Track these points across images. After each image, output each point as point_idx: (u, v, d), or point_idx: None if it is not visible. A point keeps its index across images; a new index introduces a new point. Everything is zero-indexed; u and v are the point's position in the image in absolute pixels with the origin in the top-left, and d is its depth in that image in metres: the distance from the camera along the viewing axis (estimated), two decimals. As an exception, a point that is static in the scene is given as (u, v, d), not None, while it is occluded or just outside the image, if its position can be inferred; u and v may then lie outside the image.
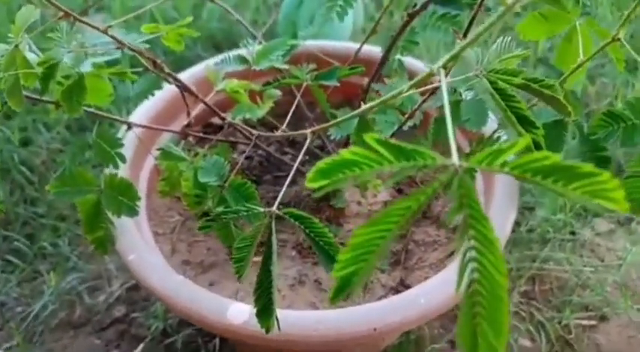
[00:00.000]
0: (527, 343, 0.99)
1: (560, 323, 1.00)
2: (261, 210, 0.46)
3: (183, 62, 1.19)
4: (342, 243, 0.76)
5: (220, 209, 0.54)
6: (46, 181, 1.20)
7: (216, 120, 0.90)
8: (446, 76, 0.41)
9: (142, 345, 0.97)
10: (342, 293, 0.32)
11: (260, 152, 0.89)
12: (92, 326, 1.02)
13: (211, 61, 0.87)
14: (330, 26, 1.30)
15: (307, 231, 0.44)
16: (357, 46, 0.84)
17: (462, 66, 0.48)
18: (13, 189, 1.18)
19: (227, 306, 0.58)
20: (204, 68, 0.88)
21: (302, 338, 0.55)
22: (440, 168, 0.30)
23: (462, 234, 0.29)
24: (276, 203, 0.45)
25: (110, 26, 0.54)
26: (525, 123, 0.45)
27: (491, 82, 0.43)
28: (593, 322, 1.01)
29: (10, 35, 0.55)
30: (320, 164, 0.32)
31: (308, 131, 0.52)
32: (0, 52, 0.52)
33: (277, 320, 0.46)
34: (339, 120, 0.49)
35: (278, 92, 0.83)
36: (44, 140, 1.24)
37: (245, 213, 0.47)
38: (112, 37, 0.55)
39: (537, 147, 0.46)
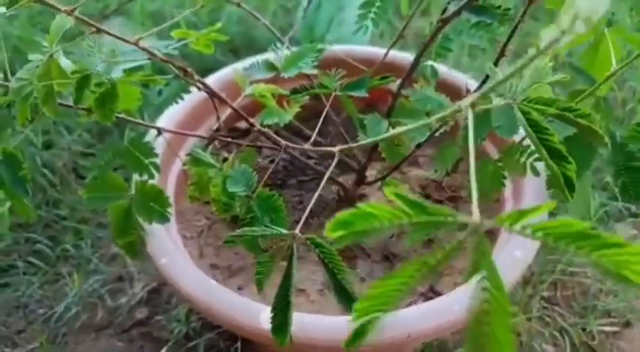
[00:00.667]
0: (550, 349, 0.98)
1: (583, 329, 0.99)
2: (285, 232, 0.46)
3: (201, 65, 1.19)
4: (371, 248, 0.76)
5: (246, 227, 0.54)
6: (68, 184, 1.21)
7: (241, 125, 0.90)
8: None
9: (164, 349, 0.97)
10: (356, 342, 0.32)
11: (285, 156, 0.89)
12: (114, 328, 1.03)
13: (238, 65, 0.87)
14: (348, 30, 1.30)
15: (326, 261, 0.45)
16: (382, 50, 0.83)
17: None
18: (35, 192, 1.18)
19: (259, 311, 0.58)
20: (230, 72, 0.88)
21: (333, 343, 0.56)
22: (461, 225, 0.30)
23: (477, 288, 0.29)
24: (300, 225, 0.45)
25: (141, 38, 0.55)
26: (557, 156, 0.45)
27: (524, 113, 0.43)
28: (616, 328, 1.00)
29: (44, 44, 0.56)
30: (340, 215, 0.32)
31: (336, 149, 0.52)
32: (35, 62, 0.53)
33: (291, 337, 0.47)
34: (369, 141, 0.50)
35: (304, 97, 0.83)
36: (66, 143, 1.25)
37: (270, 233, 0.48)
38: (143, 49, 0.55)
39: (568, 182, 0.45)
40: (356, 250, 0.75)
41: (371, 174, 0.82)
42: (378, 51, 0.90)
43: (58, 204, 1.17)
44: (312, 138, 0.63)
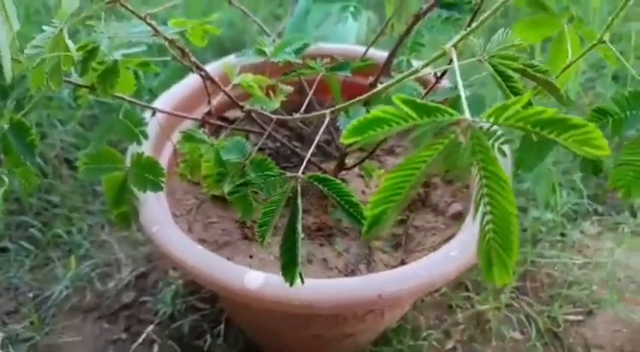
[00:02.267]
0: (518, 335, 1.04)
1: (549, 317, 1.05)
2: (289, 174, 0.51)
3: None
4: (347, 227, 0.81)
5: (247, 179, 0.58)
6: (60, 173, 1.25)
7: (230, 114, 0.96)
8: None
9: (150, 327, 1.01)
10: (373, 229, 0.37)
11: (271, 145, 0.95)
12: (101, 310, 1.07)
13: (226, 59, 0.93)
14: (335, 37, 1.37)
15: (331, 192, 0.49)
16: (364, 49, 0.90)
17: (469, 55, 0.54)
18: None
19: (244, 273, 0.63)
20: (219, 66, 0.93)
21: (313, 303, 0.60)
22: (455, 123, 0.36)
23: (477, 172, 0.35)
24: (301, 169, 0.50)
25: (149, 14, 0.60)
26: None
27: (493, 66, 0.49)
28: (580, 317, 1.06)
29: (54, 20, 0.61)
30: (353, 122, 0.38)
31: (327, 111, 0.57)
32: (47, 33, 0.58)
33: (301, 275, 0.51)
34: (357, 99, 0.55)
35: (290, 88, 0.89)
36: (58, 134, 1.29)
37: (273, 178, 0.53)
38: (149, 24, 0.61)
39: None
40: (334, 229, 0.80)
41: (349, 162, 0.88)
42: (362, 49, 0.96)
43: (50, 193, 1.21)
44: (302, 109, 0.68)
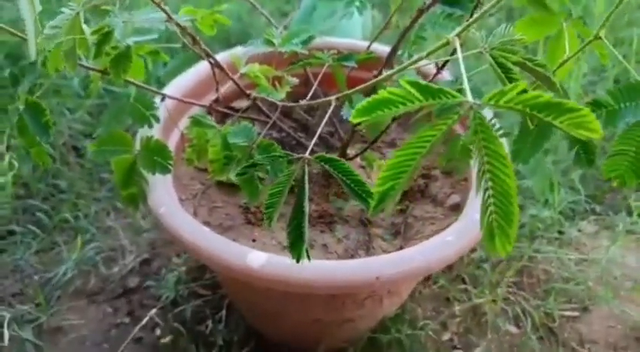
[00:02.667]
0: (513, 329, 1.06)
1: (545, 312, 1.07)
2: (296, 156, 0.53)
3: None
4: (348, 216, 0.83)
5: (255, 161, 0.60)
6: (67, 161, 1.27)
7: (237, 104, 0.98)
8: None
9: (153, 311, 1.03)
10: (381, 205, 0.40)
11: (276, 135, 0.97)
12: (105, 294, 1.09)
13: (233, 50, 0.95)
14: (340, 34, 1.40)
15: (337, 172, 0.51)
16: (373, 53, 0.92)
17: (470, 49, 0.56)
18: (35, 166, 1.25)
19: (246, 253, 0.65)
20: (227, 56, 0.96)
21: (312, 283, 0.62)
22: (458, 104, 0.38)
23: (478, 151, 0.37)
24: (309, 150, 0.53)
25: (163, 0, 0.63)
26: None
27: (493, 58, 0.51)
28: (576, 313, 1.08)
29: (70, 3, 0.63)
30: (362, 103, 0.40)
31: (333, 97, 0.59)
32: (65, 15, 0.60)
33: (307, 252, 0.53)
34: (361, 87, 0.57)
35: (295, 79, 0.91)
36: (67, 122, 1.32)
37: (280, 160, 0.55)
38: (163, 9, 0.63)
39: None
40: (336, 216, 0.82)
41: (350, 153, 0.90)
42: (366, 44, 0.98)
43: (57, 178, 1.24)
44: (309, 95, 0.70)
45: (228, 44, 1.54)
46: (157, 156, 0.70)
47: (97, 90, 1.25)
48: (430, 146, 0.39)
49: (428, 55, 0.49)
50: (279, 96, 0.85)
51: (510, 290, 1.10)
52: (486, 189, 0.37)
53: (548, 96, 0.36)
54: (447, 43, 0.47)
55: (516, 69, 0.55)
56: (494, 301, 1.08)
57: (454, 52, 0.58)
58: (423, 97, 0.38)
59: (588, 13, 1.53)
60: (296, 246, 0.52)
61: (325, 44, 0.95)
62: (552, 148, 1.31)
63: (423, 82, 0.38)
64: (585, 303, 1.09)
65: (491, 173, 0.37)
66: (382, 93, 0.39)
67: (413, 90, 0.38)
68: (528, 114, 0.37)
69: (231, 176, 0.70)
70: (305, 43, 0.80)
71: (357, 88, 0.58)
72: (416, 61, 0.50)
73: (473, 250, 1.15)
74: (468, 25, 0.47)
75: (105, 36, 0.63)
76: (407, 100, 0.38)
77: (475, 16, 0.60)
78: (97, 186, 1.25)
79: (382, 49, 0.98)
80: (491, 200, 0.37)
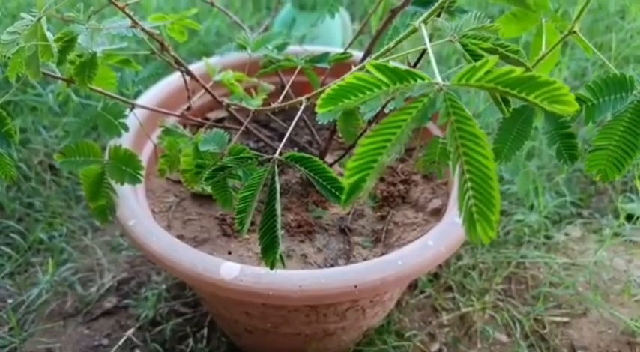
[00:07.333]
0: (503, 337, 1.03)
1: (535, 319, 1.05)
2: (265, 156, 0.51)
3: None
4: (327, 224, 0.81)
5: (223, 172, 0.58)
6: (42, 180, 1.24)
7: (212, 115, 0.96)
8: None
9: (131, 330, 1.00)
10: (352, 197, 0.37)
11: (252, 145, 0.95)
12: (83, 316, 1.05)
13: (207, 60, 0.94)
14: (320, 42, 1.39)
15: (308, 170, 0.49)
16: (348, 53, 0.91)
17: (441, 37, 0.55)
18: (10, 186, 1.22)
19: (219, 264, 0.62)
20: (201, 66, 0.94)
21: (288, 293, 0.60)
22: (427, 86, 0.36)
23: (451, 133, 0.35)
24: (278, 150, 0.50)
25: (127, 4, 0.61)
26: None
27: (463, 45, 0.50)
28: (566, 318, 1.06)
29: (33, 10, 0.61)
30: (327, 91, 0.38)
31: (303, 98, 0.57)
32: (25, 20, 0.58)
33: (282, 259, 0.50)
34: (330, 84, 0.55)
35: (271, 86, 0.89)
36: (43, 141, 1.29)
37: (250, 162, 0.52)
38: (128, 15, 0.61)
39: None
40: (315, 226, 0.80)
41: (328, 161, 0.88)
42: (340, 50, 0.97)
43: (33, 197, 1.20)
44: (280, 98, 0.68)
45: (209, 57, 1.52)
46: (125, 166, 0.68)
47: (73, 105, 1.22)
48: (401, 132, 0.36)
49: (396, 44, 0.47)
50: (254, 103, 0.83)
51: (499, 297, 1.08)
52: (463, 173, 0.35)
53: (519, 69, 0.34)
54: (415, 31, 0.45)
55: (488, 56, 0.53)
56: (482, 309, 1.06)
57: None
58: (390, 81, 0.36)
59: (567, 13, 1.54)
60: (269, 252, 0.50)
61: (304, 52, 0.94)
62: (536, 153, 1.30)
63: (391, 65, 0.36)
64: (575, 308, 1.07)
65: (467, 155, 0.34)
66: (348, 79, 0.37)
67: (379, 75, 0.36)
68: (501, 91, 0.35)
69: (204, 185, 0.67)
70: (280, 48, 0.79)
71: (327, 86, 0.56)
72: (384, 53, 0.48)
73: (459, 257, 1.13)
74: (434, 11, 0.45)
75: (68, 42, 0.61)
76: (374, 86, 0.36)
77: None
78: (73, 204, 1.22)
79: (359, 55, 0.97)
80: (469, 184, 0.34)
